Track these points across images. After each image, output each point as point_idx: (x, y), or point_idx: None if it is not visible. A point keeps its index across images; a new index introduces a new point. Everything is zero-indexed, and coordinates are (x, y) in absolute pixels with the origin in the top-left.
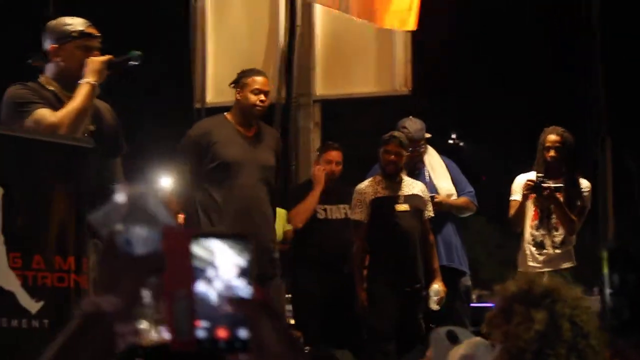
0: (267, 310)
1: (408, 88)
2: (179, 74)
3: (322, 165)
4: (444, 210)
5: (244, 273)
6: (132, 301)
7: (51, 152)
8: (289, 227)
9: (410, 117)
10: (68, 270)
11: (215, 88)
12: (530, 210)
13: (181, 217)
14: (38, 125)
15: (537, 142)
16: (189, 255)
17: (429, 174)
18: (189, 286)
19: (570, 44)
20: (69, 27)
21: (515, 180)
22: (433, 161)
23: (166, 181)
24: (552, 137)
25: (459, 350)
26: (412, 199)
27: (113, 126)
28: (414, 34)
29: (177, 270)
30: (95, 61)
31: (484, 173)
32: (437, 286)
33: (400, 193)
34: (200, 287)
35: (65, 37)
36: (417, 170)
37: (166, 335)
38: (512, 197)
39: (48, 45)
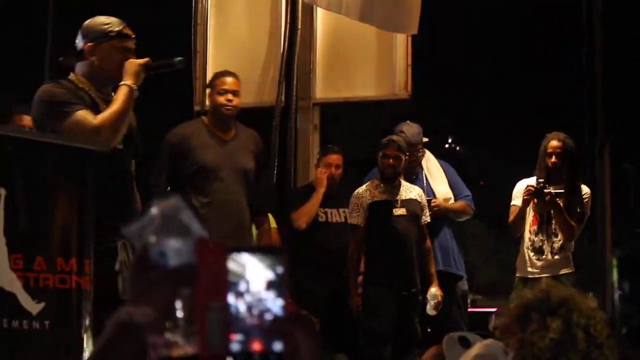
0: (300, 323)
1: (408, 92)
2: (179, 77)
3: (322, 168)
4: (442, 214)
5: (274, 286)
6: (164, 313)
7: (54, 153)
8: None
9: (408, 121)
10: (70, 272)
11: None
12: (530, 215)
13: None
14: (79, 128)
15: (538, 147)
16: (223, 268)
17: (427, 178)
18: (222, 299)
19: (570, 47)
20: (106, 27)
21: (516, 185)
22: (431, 165)
23: None
24: (554, 143)
25: (472, 351)
26: (409, 203)
27: (136, 129)
28: (413, 36)
29: (210, 282)
30: (134, 63)
31: (480, 177)
32: (434, 291)
33: (397, 197)
34: (232, 300)
35: (102, 36)
36: (414, 175)
37: (198, 347)
38: (513, 202)
39: (83, 43)
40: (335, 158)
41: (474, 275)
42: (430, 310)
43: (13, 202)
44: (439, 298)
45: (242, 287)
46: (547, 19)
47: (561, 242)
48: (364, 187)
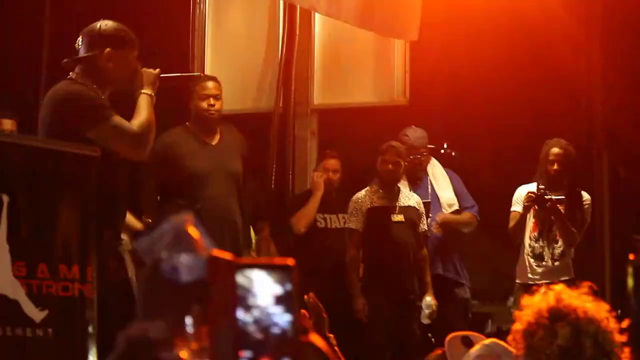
0: (312, 344)
1: (406, 98)
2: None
3: (320, 172)
4: (451, 227)
5: (282, 301)
6: (176, 328)
7: (57, 161)
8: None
9: (412, 126)
10: (73, 279)
11: None
12: (530, 221)
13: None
14: (117, 134)
15: (535, 152)
16: (233, 285)
17: (432, 184)
18: (232, 315)
19: (568, 51)
20: (126, 35)
21: (516, 191)
22: (436, 172)
23: None
24: (556, 150)
25: (474, 351)
26: (407, 210)
27: None
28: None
29: (220, 299)
30: (152, 73)
31: (474, 183)
32: (429, 300)
33: (396, 204)
34: (240, 314)
35: (123, 43)
36: (419, 180)
37: None
38: (513, 208)
39: (99, 48)
40: (333, 163)
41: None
42: (424, 318)
43: (16, 210)
44: (434, 307)
45: (250, 301)
46: (546, 22)
47: (562, 248)
48: (363, 192)
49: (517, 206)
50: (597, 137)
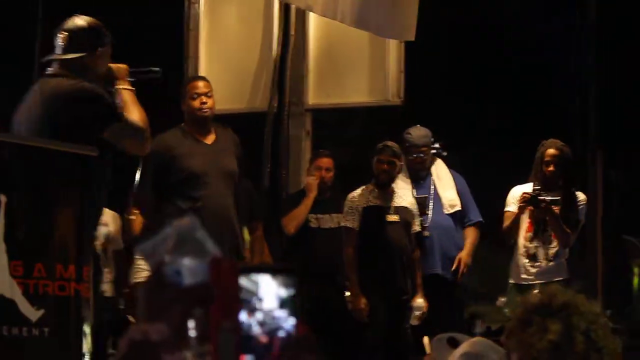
0: (310, 346)
1: (400, 98)
2: (171, 82)
3: (313, 171)
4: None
5: (286, 305)
6: (178, 332)
7: (54, 160)
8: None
9: (418, 125)
10: (69, 279)
11: None
12: (525, 222)
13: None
14: (130, 131)
15: (527, 153)
16: (236, 288)
17: (434, 184)
18: (235, 319)
19: (562, 51)
20: (107, 32)
21: (510, 191)
22: (440, 172)
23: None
24: (551, 151)
25: (459, 350)
26: (402, 210)
27: None
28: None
29: (224, 302)
30: (122, 67)
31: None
32: (419, 301)
33: (391, 204)
34: (243, 318)
35: (107, 41)
36: (422, 180)
37: None
38: (507, 209)
39: (89, 47)
40: (325, 161)
41: None
42: (413, 320)
43: (13, 209)
44: (424, 309)
45: (254, 304)
46: (540, 25)
47: (556, 249)
48: (359, 190)
49: (511, 206)
50: (591, 138)
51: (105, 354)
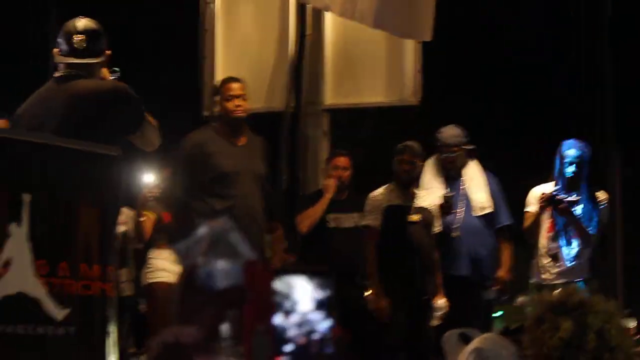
0: (345, 346)
1: (417, 98)
2: (188, 82)
3: (330, 171)
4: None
5: (321, 306)
6: (211, 334)
7: (78, 160)
8: None
9: (452, 125)
10: (93, 278)
11: None
12: (546, 222)
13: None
14: (153, 130)
15: (547, 150)
16: (270, 291)
17: (464, 186)
18: (269, 321)
19: (577, 48)
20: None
21: (530, 191)
22: (473, 173)
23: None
24: (572, 152)
25: (471, 345)
26: (423, 211)
27: None
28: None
29: (258, 305)
30: (105, 71)
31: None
32: (440, 301)
33: (412, 204)
34: (279, 320)
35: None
36: (453, 179)
37: None
38: (527, 209)
39: (105, 47)
40: (342, 160)
41: None
42: (435, 320)
43: (37, 208)
44: (445, 309)
45: (289, 306)
46: (555, 23)
47: (577, 249)
48: (380, 190)
49: (531, 206)
50: (609, 137)
51: (125, 353)
